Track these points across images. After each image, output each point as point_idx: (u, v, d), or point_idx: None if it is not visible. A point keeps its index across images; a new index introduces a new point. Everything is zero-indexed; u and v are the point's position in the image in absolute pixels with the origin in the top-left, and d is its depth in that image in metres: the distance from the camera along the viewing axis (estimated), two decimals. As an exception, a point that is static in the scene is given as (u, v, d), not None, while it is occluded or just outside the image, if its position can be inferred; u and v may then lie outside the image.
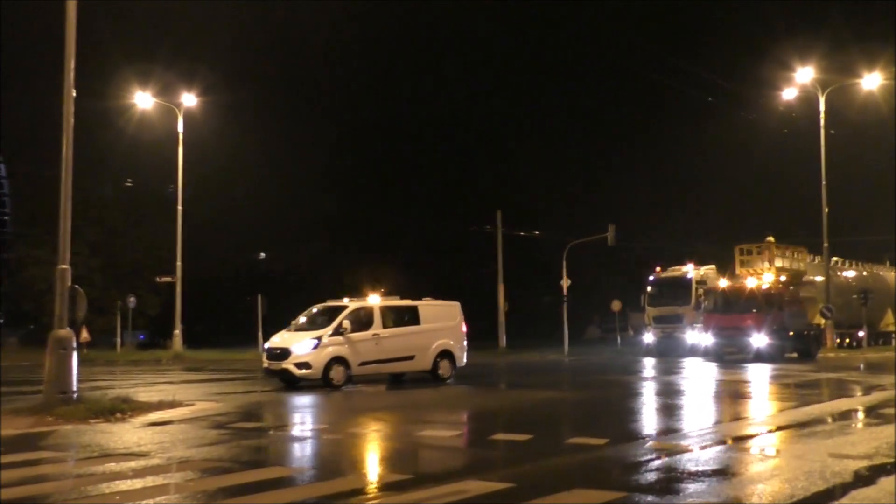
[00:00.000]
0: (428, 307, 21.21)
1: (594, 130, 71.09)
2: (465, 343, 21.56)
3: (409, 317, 20.61)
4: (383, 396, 18.17)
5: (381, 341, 19.59)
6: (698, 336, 34.71)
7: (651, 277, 37.73)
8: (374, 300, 20.51)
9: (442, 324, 20.93)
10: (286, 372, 18.75)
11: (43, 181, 42.65)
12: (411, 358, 20.12)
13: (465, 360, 21.43)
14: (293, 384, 18.93)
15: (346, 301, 20.23)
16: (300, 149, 62.39)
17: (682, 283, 36.63)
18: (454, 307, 21.71)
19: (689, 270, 37.02)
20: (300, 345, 18.84)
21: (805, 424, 11.55)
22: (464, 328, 21.63)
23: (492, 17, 71.57)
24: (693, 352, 34.39)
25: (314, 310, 20.57)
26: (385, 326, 19.82)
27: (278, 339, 19.56)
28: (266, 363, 19.34)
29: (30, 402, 13.73)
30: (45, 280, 43.73)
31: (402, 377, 20.72)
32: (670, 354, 34.18)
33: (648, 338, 37.16)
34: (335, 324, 18.98)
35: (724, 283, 33.39)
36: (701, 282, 36.44)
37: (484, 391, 19.45)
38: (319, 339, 18.78)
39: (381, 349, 19.55)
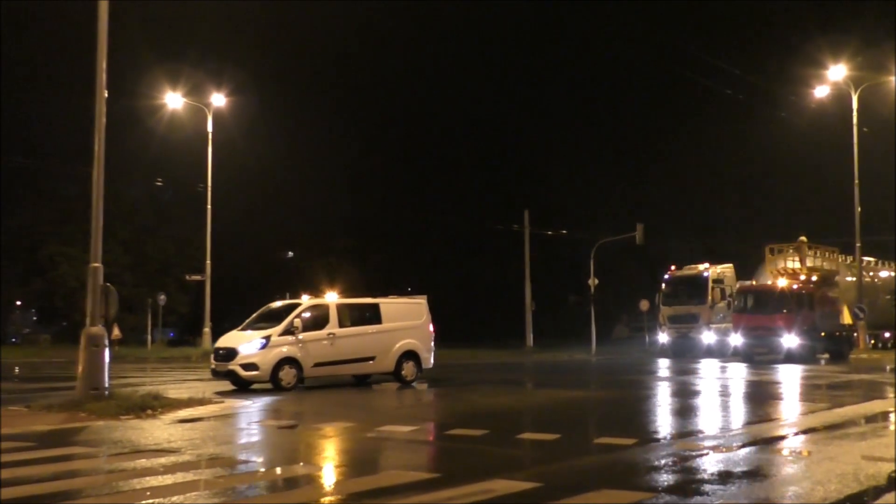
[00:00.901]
0: (391, 305, 20.15)
1: (623, 129, 70.67)
2: (433, 343, 20.53)
3: (369, 315, 19.59)
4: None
5: (337, 341, 18.59)
6: (713, 336, 34.36)
7: (666, 276, 37.04)
8: (331, 298, 19.61)
9: (406, 323, 19.91)
10: (232, 374, 17.72)
11: (75, 180, 43.22)
12: (371, 359, 19.17)
13: (432, 361, 20.42)
14: (245, 387, 17.91)
15: (304, 298, 19.51)
16: (328, 148, 62.67)
17: (698, 282, 35.92)
18: (421, 305, 20.68)
19: (705, 269, 36.33)
20: (247, 345, 17.80)
21: (837, 426, 11.40)
22: (431, 327, 20.59)
23: (521, 15, 71.40)
24: (709, 352, 33.84)
25: (268, 308, 19.64)
26: (342, 325, 18.82)
27: (226, 339, 18.62)
28: (213, 364, 18.30)
29: (62, 398, 13.90)
30: (77, 278, 44.31)
31: (367, 378, 19.87)
32: (685, 355, 33.59)
33: (663, 338, 36.61)
34: (285, 322, 18.01)
35: (753, 283, 33.06)
36: (717, 280, 35.84)
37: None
38: (268, 338, 17.78)
39: (337, 350, 18.56)
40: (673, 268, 37.31)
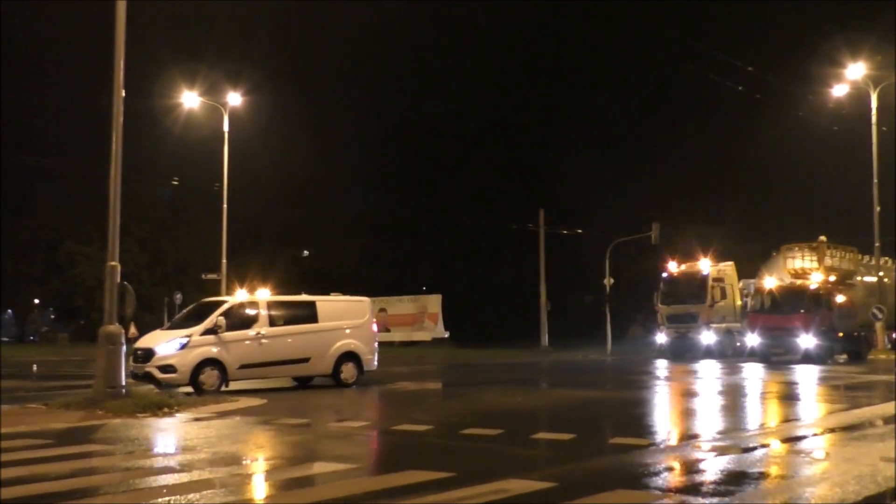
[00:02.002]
0: (329, 304, 19.12)
1: (639, 128, 70.42)
2: (377, 344, 19.61)
3: (304, 314, 18.52)
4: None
5: (266, 341, 17.52)
6: (713, 336, 33.57)
7: (664, 274, 35.84)
8: (261, 295, 18.72)
9: (347, 322, 18.86)
10: (149, 376, 16.46)
11: (94, 179, 43.49)
12: (306, 360, 18.11)
13: (375, 363, 19.37)
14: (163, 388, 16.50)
15: (238, 296, 18.67)
16: (343, 146, 62.80)
17: (698, 280, 34.59)
18: (363, 304, 19.71)
19: (705, 266, 35.11)
20: (165, 345, 16.68)
21: (855, 427, 11.32)
22: (374, 327, 19.77)
23: (537, 14, 71.26)
24: (708, 353, 33.01)
25: (199, 305, 18.76)
26: (273, 325, 17.78)
27: (146, 339, 17.61)
28: (132, 365, 16.60)
29: (80, 396, 13.99)
30: (94, 277, 44.63)
31: (309, 380, 18.98)
32: (684, 356, 32.68)
33: (661, 338, 35.21)
34: (207, 321, 16.89)
35: (770, 282, 32.81)
36: (717, 279, 34.84)
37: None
38: (188, 338, 16.66)
39: (266, 350, 17.50)
40: (671, 265, 36.19)
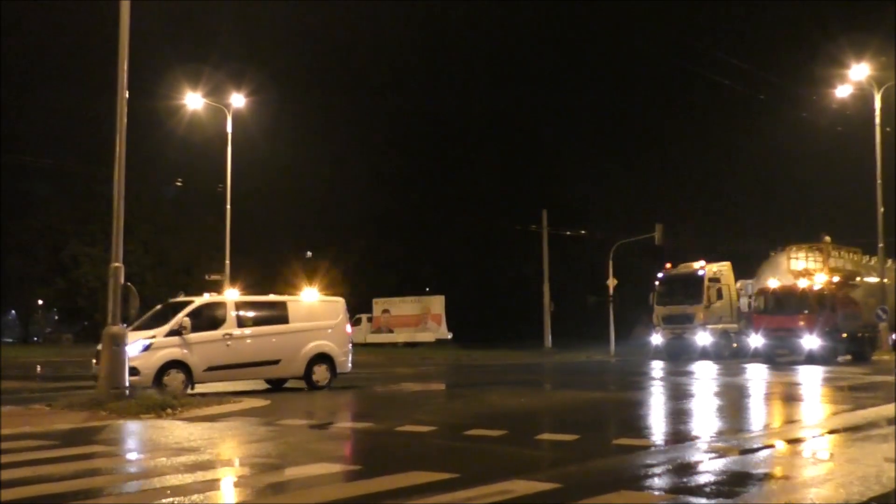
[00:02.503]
0: (301, 304, 18.72)
1: (642, 129, 70.41)
2: (350, 346, 19.20)
3: (274, 315, 18.11)
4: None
5: (234, 343, 17.09)
6: (709, 337, 33.26)
7: (660, 274, 35.65)
8: (230, 295, 18.33)
9: (319, 323, 18.45)
10: None
11: (97, 180, 43.58)
12: (276, 362, 17.70)
13: (349, 365, 18.98)
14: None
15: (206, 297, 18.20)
16: (347, 147, 62.89)
17: (694, 281, 34.34)
18: (336, 304, 19.27)
19: (701, 267, 34.85)
20: (128, 347, 15.57)
21: (859, 428, 11.30)
22: (348, 328, 19.29)
23: (542, 15, 71.23)
24: (704, 354, 32.70)
25: (166, 305, 18.20)
26: (242, 326, 17.36)
27: None
28: (93, 368, 16.09)
29: (84, 397, 14.00)
30: (98, 277, 44.70)
31: (282, 382, 18.60)
32: (680, 357, 32.46)
33: (656, 339, 34.97)
34: (172, 322, 16.40)
35: (774, 283, 32.76)
36: (714, 279, 34.57)
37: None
38: (151, 339, 16.20)
39: (234, 352, 17.06)
40: (667, 266, 35.95)
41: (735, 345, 34.28)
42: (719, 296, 34.58)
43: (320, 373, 18.19)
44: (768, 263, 36.66)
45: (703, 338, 33.46)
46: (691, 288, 34.25)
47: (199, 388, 16.57)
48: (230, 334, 17.08)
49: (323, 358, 18.27)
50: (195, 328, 16.60)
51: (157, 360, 16.10)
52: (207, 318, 17.07)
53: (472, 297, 57.61)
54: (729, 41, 60.87)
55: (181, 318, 16.51)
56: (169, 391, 15.36)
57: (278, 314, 18.13)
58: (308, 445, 10.17)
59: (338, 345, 18.56)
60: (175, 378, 16.13)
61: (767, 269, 36.60)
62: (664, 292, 34.95)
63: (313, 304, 18.97)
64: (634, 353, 36.98)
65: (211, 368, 16.84)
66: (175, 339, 16.30)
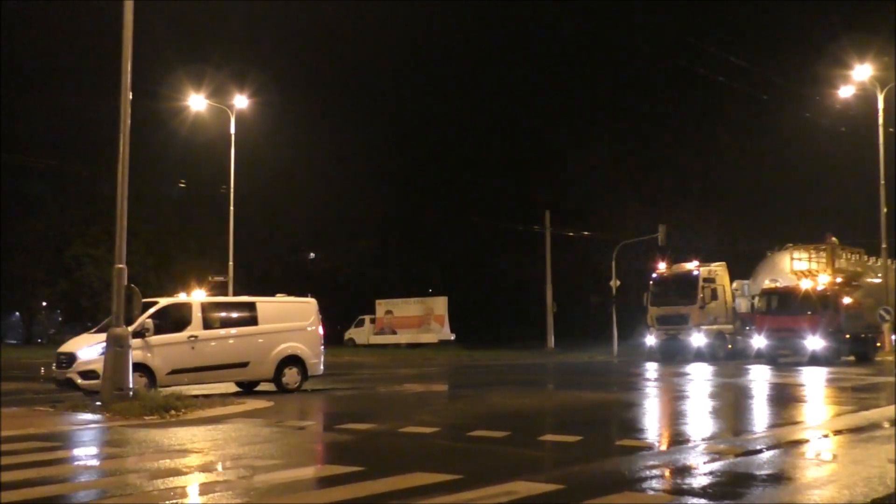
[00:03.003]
0: (271, 305, 18.24)
1: (645, 129, 70.35)
2: (322, 348, 18.68)
3: (243, 317, 17.68)
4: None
5: (200, 345, 16.56)
6: (703, 338, 32.90)
7: (654, 275, 35.28)
8: (196, 296, 17.85)
9: (290, 325, 18.02)
10: (70, 382, 15.48)
11: (101, 181, 43.65)
12: (244, 365, 17.19)
13: (321, 367, 18.56)
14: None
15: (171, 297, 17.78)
16: (350, 148, 62.88)
17: (688, 281, 33.84)
18: (308, 305, 18.80)
19: (695, 267, 34.41)
20: (87, 349, 15.59)
21: (863, 429, 11.29)
22: (320, 330, 18.70)
23: (544, 16, 71.25)
24: (699, 356, 32.31)
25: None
26: (208, 327, 16.84)
27: (69, 343, 16.67)
28: (53, 371, 16.05)
29: (87, 398, 14.02)
30: (102, 279, 44.76)
31: (254, 385, 18.20)
32: (674, 358, 32.10)
33: (650, 340, 34.54)
34: (134, 324, 15.55)
35: (777, 283, 32.71)
36: (708, 279, 34.11)
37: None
38: None
39: (200, 354, 16.51)
40: (661, 266, 35.55)
41: (730, 346, 33.96)
42: (714, 296, 34.20)
43: (290, 375, 17.75)
44: (765, 263, 36.61)
45: (697, 339, 33.11)
46: (685, 288, 33.85)
47: (202, 389, 16.58)
48: (195, 336, 16.59)
49: (293, 360, 17.84)
50: (159, 330, 16.08)
51: None
52: (172, 320, 16.59)
53: (475, 297, 57.61)
54: (732, 42, 60.84)
55: (143, 319, 15.91)
56: (130, 396, 14.28)
57: (247, 315, 17.69)
58: (311, 447, 10.19)
59: (309, 347, 18.14)
60: (137, 382, 15.10)
61: (764, 269, 36.53)
62: (658, 293, 34.60)
63: (284, 306, 18.56)
64: (637, 354, 36.91)
65: (175, 371, 16.28)
66: (137, 341, 15.50)
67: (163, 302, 16.93)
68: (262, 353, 17.45)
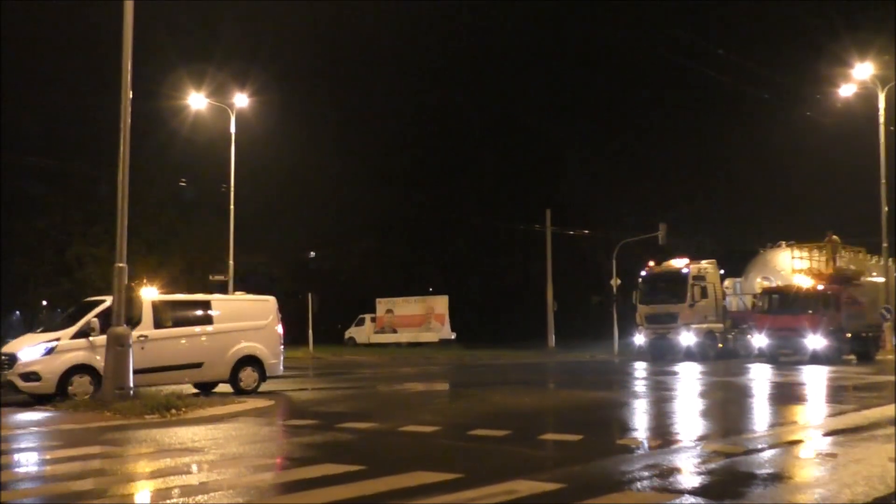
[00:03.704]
0: (227, 303, 17.78)
1: (646, 128, 70.38)
2: (282, 347, 18.13)
3: (197, 316, 17.04)
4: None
5: (151, 345, 15.80)
6: (693, 337, 32.29)
7: (643, 272, 34.64)
8: (147, 294, 17.02)
9: (247, 324, 17.41)
10: (11, 385, 14.99)
11: (102, 181, 43.66)
12: (198, 365, 16.49)
13: (281, 368, 18.07)
14: (44, 401, 14.66)
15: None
16: (351, 147, 62.91)
17: (677, 279, 33.07)
18: (267, 304, 18.24)
19: (685, 265, 33.60)
20: (29, 350, 15.07)
21: (864, 428, 11.28)
22: (280, 329, 18.10)
23: (545, 14, 71.23)
24: (689, 355, 31.71)
25: (73, 308, 17.05)
26: (160, 327, 16.12)
27: (12, 343, 16.19)
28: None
29: (88, 397, 14.02)
30: (103, 278, 44.70)
31: (212, 386, 17.43)
32: (664, 357, 31.61)
33: (639, 339, 33.85)
34: (80, 323, 15.17)
35: (778, 282, 32.68)
36: (698, 277, 33.45)
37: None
38: (55, 342, 15.05)
39: (150, 355, 15.67)
40: (651, 264, 34.98)
41: (721, 345, 33.40)
42: (704, 294, 33.53)
43: (247, 376, 17.14)
44: (757, 261, 36.55)
45: (686, 338, 32.44)
46: (675, 287, 33.10)
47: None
48: (146, 336, 15.82)
49: (251, 360, 17.25)
50: (106, 329, 14.96)
51: (61, 365, 14.90)
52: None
53: (476, 296, 57.62)
54: (733, 40, 60.82)
55: (89, 318, 15.27)
56: (76, 398, 14.30)
57: (202, 314, 17.07)
58: (312, 445, 10.18)
59: (268, 346, 17.53)
60: (81, 384, 14.87)
61: (756, 266, 36.48)
62: (647, 291, 33.92)
63: (241, 304, 18.06)
64: (638, 353, 36.92)
65: None
66: (82, 341, 15.03)
67: (110, 300, 15.49)
68: (218, 354, 16.83)
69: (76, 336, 15.12)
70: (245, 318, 17.52)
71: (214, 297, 17.80)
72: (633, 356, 33.85)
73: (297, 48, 65.78)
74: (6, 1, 40.54)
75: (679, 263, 34.13)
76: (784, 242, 36.46)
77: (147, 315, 16.01)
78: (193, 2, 53.20)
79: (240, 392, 16.78)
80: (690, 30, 61.37)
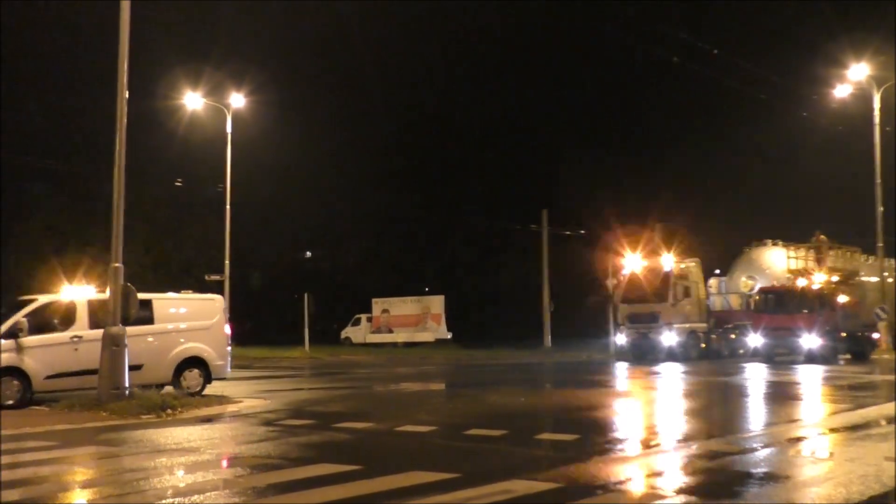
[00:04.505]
0: (170, 303, 16.83)
1: (642, 128, 70.46)
2: (229, 348, 17.26)
3: (137, 315, 15.59)
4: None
5: (85, 346, 14.79)
6: (675, 337, 31.52)
7: (624, 270, 34.11)
8: (81, 292, 16.01)
9: (192, 324, 16.56)
10: None
11: (98, 180, 43.57)
12: (138, 367, 15.21)
13: (228, 369, 17.14)
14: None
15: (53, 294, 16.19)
16: (347, 148, 62.86)
17: (659, 278, 32.30)
18: (213, 303, 17.56)
19: (667, 263, 32.78)
20: None
21: (859, 427, 11.31)
22: (227, 329, 17.28)
23: (540, 15, 71.26)
24: (671, 355, 31.10)
25: (12, 303, 16.34)
26: (96, 326, 14.90)
27: None
28: None
29: (84, 397, 14.02)
30: (99, 278, 44.64)
31: (159, 389, 15.86)
32: (646, 357, 31.16)
33: (621, 339, 33.08)
34: (7, 324, 14.39)
35: (773, 282, 32.74)
36: (681, 276, 32.77)
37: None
38: None
39: (84, 357, 14.68)
40: (632, 261, 34.25)
41: (704, 345, 32.74)
42: (686, 294, 32.86)
43: (191, 378, 16.30)
44: (741, 259, 36.57)
45: (668, 338, 31.59)
46: (656, 285, 32.31)
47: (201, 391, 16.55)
48: (79, 337, 14.94)
49: (195, 362, 16.46)
50: (37, 330, 14.62)
51: None
52: (53, 319, 15.14)
53: (472, 296, 57.58)
54: (729, 41, 60.86)
55: (17, 318, 14.54)
56: (2, 402, 13.81)
57: (142, 314, 15.81)
58: (308, 445, 10.18)
59: (213, 347, 16.63)
60: (9, 387, 14.16)
61: (740, 265, 36.49)
62: (629, 289, 33.18)
63: (185, 303, 17.14)
64: (618, 353, 37.00)
65: (55, 376, 14.73)
66: (9, 342, 14.26)
67: (42, 299, 15.35)
68: (159, 355, 16.00)
69: (3, 337, 14.28)
70: (189, 318, 16.67)
71: (156, 296, 16.84)
72: (613, 356, 33.38)
73: (293, 49, 65.72)
74: (6, 1, 40.47)
75: (661, 262, 33.37)
76: (770, 241, 36.51)
77: (82, 315, 15.21)
78: (190, 2, 53.11)
79: (183, 394, 15.56)
80: (686, 30, 61.38)
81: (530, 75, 75.53)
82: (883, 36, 36.93)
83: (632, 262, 34.24)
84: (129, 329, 15.05)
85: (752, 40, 62.33)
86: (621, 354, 33.24)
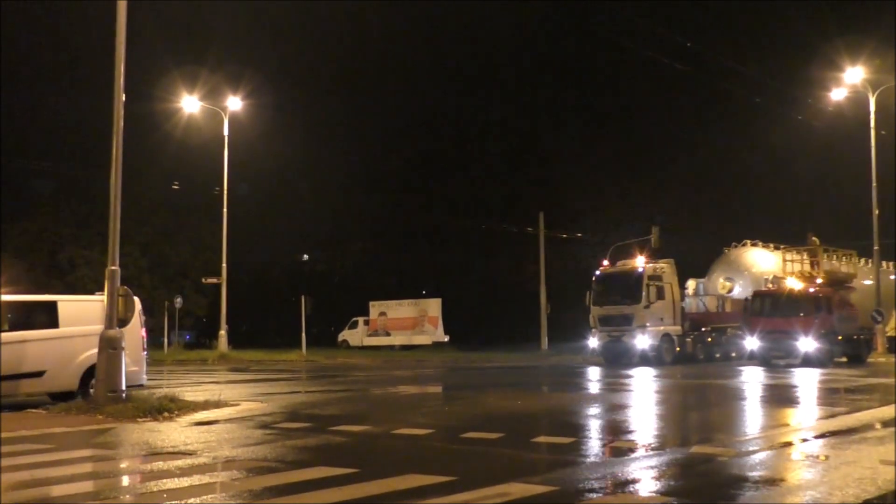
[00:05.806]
0: (77, 305, 15.69)
1: (639, 131, 70.57)
2: (145, 353, 16.03)
3: (39, 319, 14.97)
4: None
5: None
6: (648, 340, 30.90)
7: (597, 272, 32.99)
8: None
9: (101, 327, 14.66)
10: None
11: (95, 183, 43.59)
12: (39, 374, 14.46)
13: (143, 376, 15.84)
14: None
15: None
16: (344, 150, 62.93)
17: (632, 280, 31.52)
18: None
19: (640, 264, 32.19)
20: None
21: (855, 430, 11.32)
22: (142, 333, 15.90)
23: (537, 18, 71.37)
24: (644, 359, 30.56)
25: None
26: (14, 328, 14.35)
27: None
28: None
29: (80, 400, 14.00)
30: (96, 280, 44.60)
31: (71, 396, 14.92)
32: (619, 361, 30.71)
33: (593, 342, 32.36)
34: None
35: (769, 284, 32.77)
36: (654, 277, 31.93)
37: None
38: None
39: None
40: (605, 263, 33.79)
41: (678, 349, 32.04)
42: (660, 295, 31.98)
43: None
44: (720, 261, 36.58)
45: (641, 341, 30.91)
46: (629, 287, 31.52)
47: (198, 393, 16.55)
48: None
49: None
50: None
51: None
52: None
53: (469, 299, 57.64)
54: (726, 44, 61.06)
55: None
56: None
57: (45, 317, 14.98)
58: (305, 448, 10.17)
59: (128, 352, 14.74)
60: None
61: (719, 266, 36.48)
62: (601, 291, 32.35)
63: (94, 306, 15.47)
64: (590, 357, 37.02)
65: None
66: None
67: None
68: (63, 361, 14.86)
69: None
70: (99, 322, 14.81)
71: (62, 298, 15.86)
72: (585, 360, 32.94)
73: (290, 52, 65.79)
74: (5, 1, 40.46)
75: (634, 262, 32.87)
76: (749, 242, 36.53)
77: None
78: (187, 4, 53.14)
79: (89, 403, 14.09)
80: (682, 33, 61.53)
81: (527, 78, 75.60)
82: (879, 39, 37.09)
83: (604, 263, 33.81)
84: (26, 333, 14.47)
85: (747, 44, 62.52)
86: (592, 358, 32.74)
